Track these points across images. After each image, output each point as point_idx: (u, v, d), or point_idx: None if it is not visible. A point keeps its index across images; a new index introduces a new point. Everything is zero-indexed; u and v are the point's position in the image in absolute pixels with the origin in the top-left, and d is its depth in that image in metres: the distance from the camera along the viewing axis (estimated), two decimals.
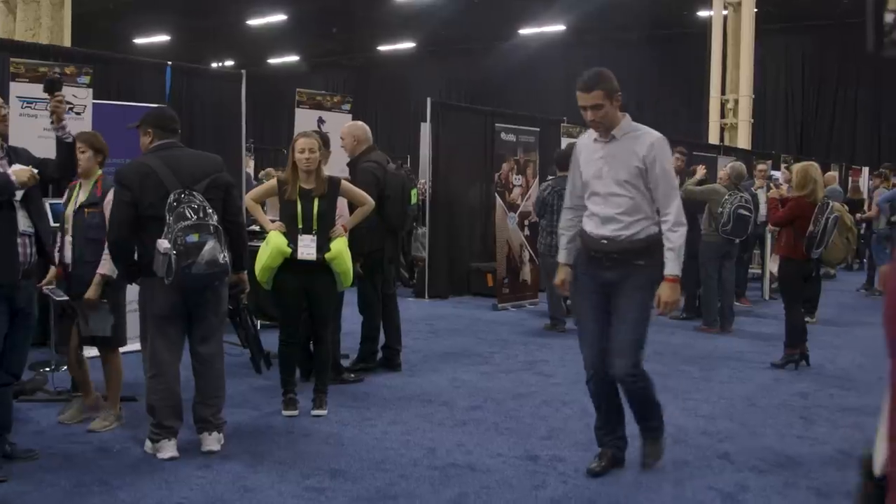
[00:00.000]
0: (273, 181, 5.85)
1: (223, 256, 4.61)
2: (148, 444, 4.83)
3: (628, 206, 4.34)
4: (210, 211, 4.64)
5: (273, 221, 5.62)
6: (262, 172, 13.07)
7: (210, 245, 4.53)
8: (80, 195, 5.26)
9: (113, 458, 4.77)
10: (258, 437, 5.16)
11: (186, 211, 4.56)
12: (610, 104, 4.31)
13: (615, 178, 4.36)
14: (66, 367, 5.89)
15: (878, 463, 1.73)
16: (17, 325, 4.50)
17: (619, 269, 4.37)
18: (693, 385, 6.72)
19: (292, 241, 5.46)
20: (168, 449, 4.74)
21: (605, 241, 4.38)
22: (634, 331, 4.36)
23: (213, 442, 4.86)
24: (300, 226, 5.48)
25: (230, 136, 8.63)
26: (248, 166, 9.10)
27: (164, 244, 4.49)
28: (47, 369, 6.41)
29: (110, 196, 5.34)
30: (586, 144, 4.57)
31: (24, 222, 4.44)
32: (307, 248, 5.48)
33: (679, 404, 6.07)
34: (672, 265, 4.36)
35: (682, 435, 5.33)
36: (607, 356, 4.38)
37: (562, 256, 4.75)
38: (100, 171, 5.34)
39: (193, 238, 4.50)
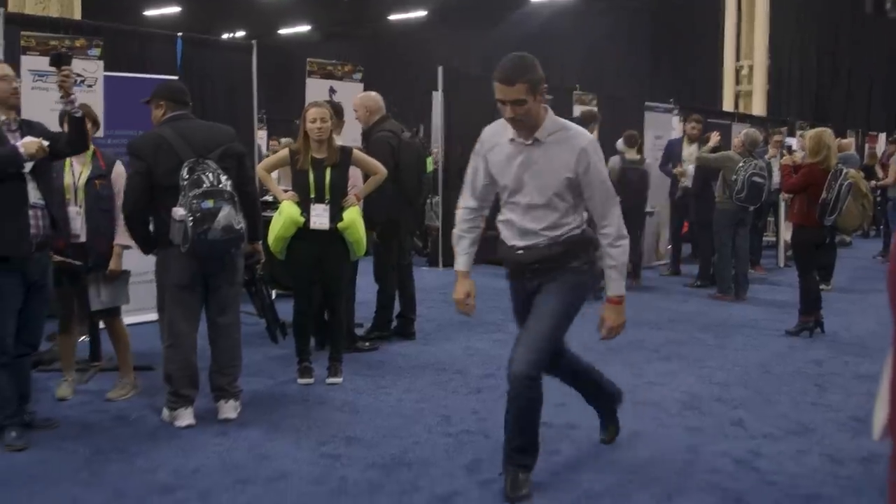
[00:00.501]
0: (285, 151, 5.85)
1: (238, 222, 4.64)
2: (165, 412, 4.88)
3: (553, 220, 3.78)
4: (224, 178, 4.65)
5: (286, 191, 5.62)
6: (272, 144, 12.95)
7: (225, 211, 4.56)
8: (77, 167, 5.27)
9: (130, 427, 4.82)
10: (274, 405, 5.20)
11: (201, 178, 4.58)
12: (533, 99, 3.61)
13: (540, 189, 3.74)
14: (83, 338, 5.95)
15: (877, 428, 1.71)
16: (33, 297, 4.54)
17: (543, 274, 3.84)
18: (707, 352, 6.72)
19: (305, 211, 5.47)
20: (185, 417, 4.79)
21: (521, 252, 3.85)
22: (548, 325, 3.79)
23: (229, 410, 4.90)
24: (312, 195, 5.49)
25: (242, 107, 8.62)
26: (261, 137, 9.08)
27: (179, 212, 4.52)
28: None
29: (118, 168, 5.38)
30: (498, 143, 3.85)
31: (34, 194, 4.46)
32: (320, 217, 5.49)
33: (693, 371, 6.09)
34: (616, 285, 3.88)
35: (696, 402, 5.34)
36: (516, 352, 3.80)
37: (461, 263, 4.03)
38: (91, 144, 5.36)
39: (209, 204, 4.52)
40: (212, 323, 4.94)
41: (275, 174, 6.18)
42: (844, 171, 7.27)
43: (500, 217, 3.94)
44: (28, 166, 4.39)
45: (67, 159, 5.19)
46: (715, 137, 9.86)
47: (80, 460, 4.29)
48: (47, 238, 4.56)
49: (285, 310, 6.05)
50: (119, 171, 5.40)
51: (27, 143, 4.33)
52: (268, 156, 8.96)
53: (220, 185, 4.62)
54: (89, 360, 5.89)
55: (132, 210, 4.79)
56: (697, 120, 10.64)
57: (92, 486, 3.97)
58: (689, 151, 10.31)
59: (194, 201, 4.52)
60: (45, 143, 4.40)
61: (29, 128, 4.54)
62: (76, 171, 5.26)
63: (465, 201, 4.03)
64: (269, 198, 7.29)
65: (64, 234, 4.95)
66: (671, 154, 10.61)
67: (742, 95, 20.00)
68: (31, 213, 4.43)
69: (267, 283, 6.29)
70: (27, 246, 4.42)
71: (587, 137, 3.77)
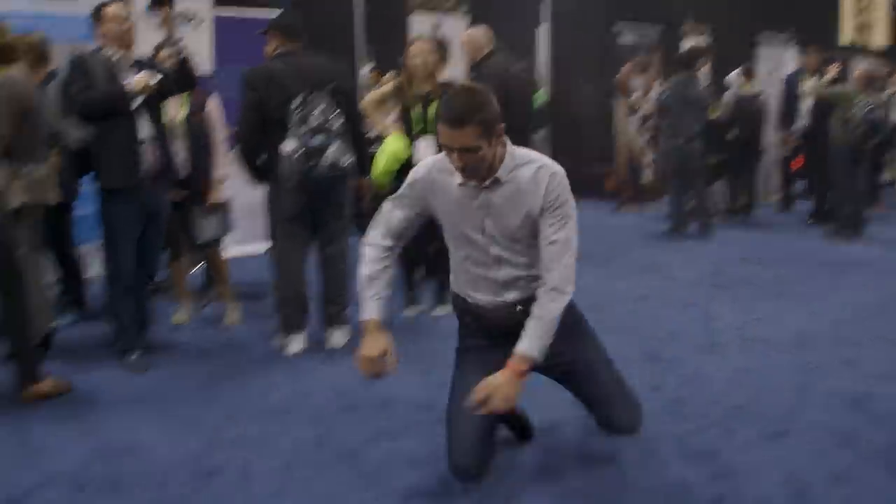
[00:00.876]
0: (390, 86, 5.87)
1: (346, 159, 4.70)
2: (276, 339, 5.04)
3: (534, 256, 3.15)
4: (334, 115, 4.70)
5: (390, 126, 5.65)
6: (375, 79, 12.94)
7: (333, 147, 4.62)
8: (175, 104, 5.30)
9: (243, 352, 5.00)
10: None
11: (311, 114, 4.64)
12: (488, 145, 2.95)
13: (508, 233, 3.12)
14: (197, 267, 6.18)
15: None
16: (149, 228, 4.73)
17: None
18: (821, 291, 6.52)
19: (410, 146, 5.49)
20: (295, 344, 4.94)
21: (521, 306, 3.18)
22: (614, 371, 3.41)
23: (338, 338, 5.03)
24: (417, 130, 5.51)
25: (347, 42, 8.65)
26: (367, 73, 9.15)
27: (289, 145, 4.60)
28: None
29: (212, 102, 5.49)
30: (443, 185, 3.16)
31: (146, 129, 4.61)
32: (424, 151, 5.50)
33: (806, 309, 5.92)
34: (531, 342, 3.01)
35: (808, 340, 5.21)
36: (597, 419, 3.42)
37: (372, 310, 3.22)
38: None
39: (318, 140, 4.59)
40: (321, 254, 5.04)
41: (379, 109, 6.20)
42: None
43: (463, 277, 3.30)
44: (138, 102, 4.53)
45: None
46: (833, 70, 9.46)
47: (197, 383, 4.48)
48: (159, 171, 4.71)
49: None
50: (213, 106, 5.53)
51: (137, 80, 4.48)
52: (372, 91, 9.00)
53: (329, 121, 4.67)
54: (204, 288, 6.11)
55: (245, 142, 4.88)
56: (816, 52, 10.21)
57: (210, 406, 4.15)
58: (807, 85, 9.93)
59: (304, 136, 4.59)
60: (155, 79, 4.52)
61: (143, 66, 4.66)
62: (174, 107, 5.36)
63: (378, 239, 3.31)
64: (374, 133, 7.36)
65: (172, 168, 5.10)
66: (790, 89, 10.24)
67: (862, 27, 19.04)
68: (143, 147, 4.59)
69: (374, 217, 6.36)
70: (140, 179, 4.58)
71: (556, 166, 3.11)
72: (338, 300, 5.06)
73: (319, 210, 4.90)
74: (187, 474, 3.40)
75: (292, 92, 4.69)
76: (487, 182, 3.05)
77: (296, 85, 4.72)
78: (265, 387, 4.41)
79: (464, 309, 3.37)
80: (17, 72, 4.38)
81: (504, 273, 3.18)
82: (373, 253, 3.29)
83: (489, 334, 3.32)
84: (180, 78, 4.71)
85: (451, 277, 3.38)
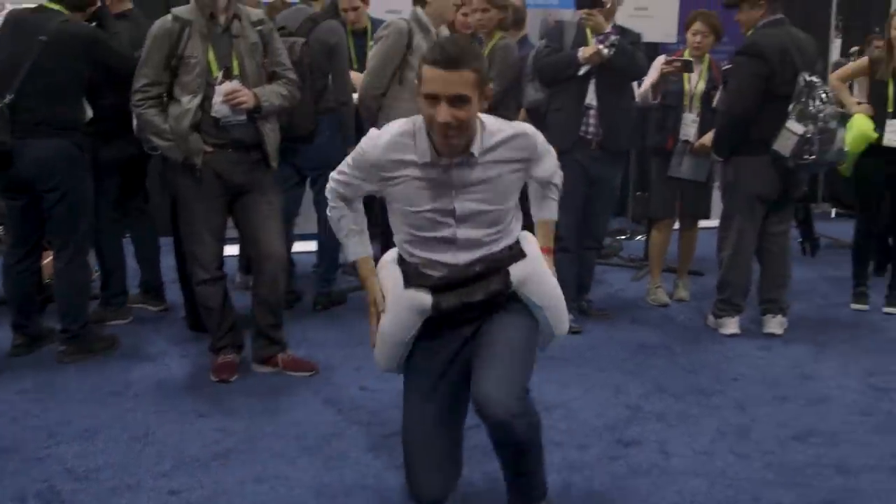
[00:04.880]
0: (864, 60, 5.45)
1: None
2: (710, 318, 4.97)
3: (500, 216, 2.67)
4: (828, 97, 4.48)
5: (859, 104, 5.25)
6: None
7: (840, 133, 4.51)
8: (694, 76, 5.20)
9: (676, 326, 5.02)
10: (822, 328, 5.01)
11: (819, 94, 4.45)
12: (476, 100, 2.45)
13: (483, 219, 2.63)
14: (640, 237, 6.28)
15: None
16: (594, 194, 4.84)
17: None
18: None
19: (879, 126, 5.07)
20: (730, 326, 4.84)
21: (479, 265, 2.68)
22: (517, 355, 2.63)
23: (775, 325, 4.83)
24: (890, 109, 5.06)
25: (818, 14, 8.17)
26: (835, 46, 8.54)
27: (798, 127, 4.45)
28: (622, 237, 6.93)
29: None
30: (401, 166, 2.60)
31: (592, 95, 4.70)
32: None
33: None
34: (551, 213, 2.92)
35: None
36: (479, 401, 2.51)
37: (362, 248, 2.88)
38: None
39: (832, 124, 4.47)
40: (766, 233, 4.84)
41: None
42: None
43: (414, 256, 2.70)
44: (585, 69, 4.63)
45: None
46: None
47: (627, 351, 4.57)
48: (601, 139, 4.75)
49: (843, 230, 5.72)
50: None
51: (586, 49, 4.58)
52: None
53: (830, 105, 4.48)
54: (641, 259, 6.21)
55: (743, 113, 4.63)
56: None
57: (635, 376, 4.21)
58: None
59: (820, 119, 4.44)
60: (607, 52, 4.56)
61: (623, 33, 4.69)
62: (693, 79, 5.21)
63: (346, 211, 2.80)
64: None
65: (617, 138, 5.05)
66: None
67: None
68: (588, 112, 4.69)
69: (826, 200, 6.02)
70: (581, 142, 4.71)
71: (526, 126, 2.71)
72: (779, 281, 4.86)
73: (785, 190, 4.72)
74: (608, 441, 3.48)
75: (798, 68, 4.52)
76: (459, 159, 2.56)
77: (800, 61, 4.54)
78: (694, 365, 4.37)
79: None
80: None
81: (466, 255, 2.66)
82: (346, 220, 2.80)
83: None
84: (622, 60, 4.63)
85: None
